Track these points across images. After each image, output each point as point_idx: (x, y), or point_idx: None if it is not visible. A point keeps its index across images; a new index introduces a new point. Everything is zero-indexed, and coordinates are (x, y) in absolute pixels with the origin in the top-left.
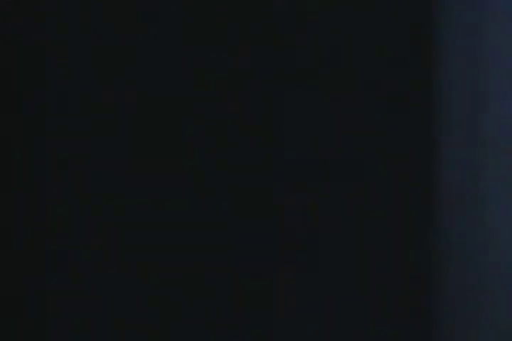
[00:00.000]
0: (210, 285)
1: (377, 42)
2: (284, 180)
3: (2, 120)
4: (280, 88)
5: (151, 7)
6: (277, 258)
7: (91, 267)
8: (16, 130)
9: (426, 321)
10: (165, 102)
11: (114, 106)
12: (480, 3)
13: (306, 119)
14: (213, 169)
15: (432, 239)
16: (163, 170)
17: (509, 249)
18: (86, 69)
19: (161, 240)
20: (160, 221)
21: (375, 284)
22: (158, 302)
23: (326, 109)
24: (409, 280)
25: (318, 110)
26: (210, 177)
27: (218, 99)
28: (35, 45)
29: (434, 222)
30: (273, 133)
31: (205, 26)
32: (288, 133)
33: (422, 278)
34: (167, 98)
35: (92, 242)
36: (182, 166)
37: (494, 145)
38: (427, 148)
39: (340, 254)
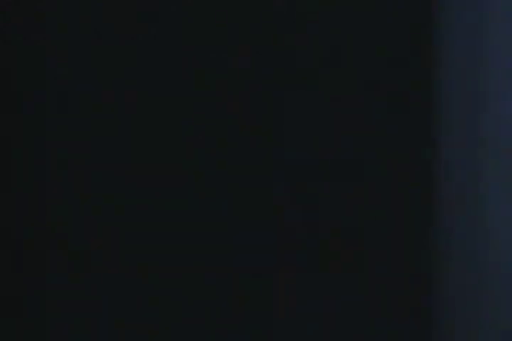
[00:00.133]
0: (210, 285)
1: (377, 42)
2: (284, 180)
3: (2, 120)
4: (280, 88)
5: (151, 7)
6: (277, 258)
7: (91, 267)
8: (16, 130)
9: (426, 321)
10: (165, 102)
11: (114, 106)
12: (480, 3)
13: (306, 119)
14: (213, 169)
15: (432, 239)
16: (163, 170)
17: (509, 249)
18: (86, 69)
19: (161, 240)
20: (160, 221)
21: (375, 284)
22: (158, 302)
23: (325, 109)
24: (409, 280)
25: (318, 110)
26: (209, 177)
27: (218, 99)
28: (35, 45)
29: (434, 222)
30: (273, 133)
31: (205, 26)
32: (288, 133)
33: (422, 278)
34: (167, 98)
35: (92, 242)
36: (182, 166)
37: (494, 145)
38: (427, 148)
39: (340, 254)
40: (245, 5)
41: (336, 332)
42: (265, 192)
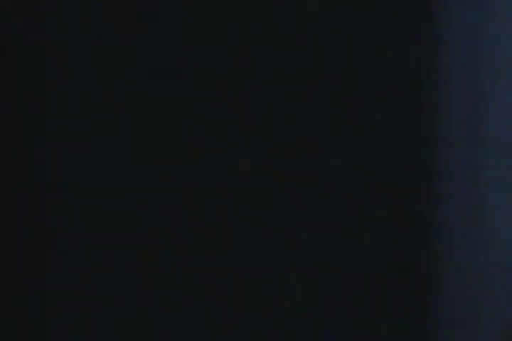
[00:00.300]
0: (210, 285)
1: (377, 42)
2: (284, 180)
3: (2, 120)
4: (280, 88)
5: (151, 7)
6: (277, 258)
7: (91, 267)
8: (16, 130)
9: (426, 321)
10: (165, 102)
11: (114, 106)
12: (480, 3)
13: (306, 119)
14: (213, 169)
15: (432, 239)
16: (163, 169)
17: (509, 249)
18: (86, 69)
19: (161, 240)
20: (160, 221)
21: (375, 284)
22: (158, 302)
23: (325, 109)
24: (409, 280)
25: (318, 110)
26: (209, 177)
27: (218, 99)
28: (35, 45)
29: (434, 221)
30: (273, 133)
31: (205, 26)
32: (288, 132)
33: (421, 278)
34: (167, 98)
35: (92, 242)
36: (182, 166)
37: (494, 145)
38: (427, 148)
39: (339, 254)
40: (245, 5)
41: (336, 331)
42: (265, 192)
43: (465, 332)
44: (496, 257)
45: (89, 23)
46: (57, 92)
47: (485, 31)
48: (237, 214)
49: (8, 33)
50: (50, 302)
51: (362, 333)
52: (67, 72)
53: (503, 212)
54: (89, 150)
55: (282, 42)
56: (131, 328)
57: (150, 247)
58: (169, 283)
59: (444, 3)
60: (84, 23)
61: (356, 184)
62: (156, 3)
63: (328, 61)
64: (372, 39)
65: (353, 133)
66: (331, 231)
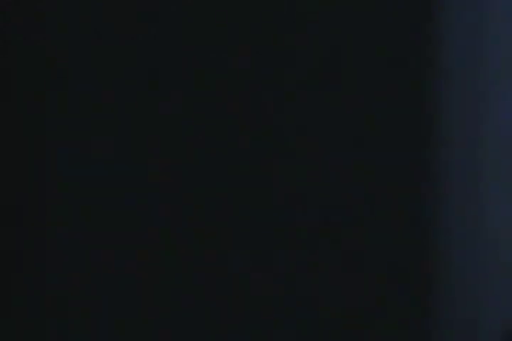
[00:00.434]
0: (210, 286)
1: (377, 42)
2: (284, 180)
3: (2, 120)
4: (280, 88)
5: (151, 7)
6: (277, 258)
7: (91, 267)
8: (16, 130)
9: (426, 321)
10: (165, 102)
11: (114, 106)
12: (480, 3)
13: (306, 119)
14: (213, 169)
15: (432, 239)
16: (163, 169)
17: (509, 249)
18: (86, 69)
19: (161, 240)
20: (160, 221)
21: (375, 284)
22: (158, 302)
23: (325, 109)
24: (409, 281)
25: (318, 110)
26: (209, 177)
27: (218, 99)
28: (35, 45)
29: (434, 221)
30: (273, 133)
31: (205, 26)
32: (288, 132)
33: (421, 278)
34: (167, 98)
35: (92, 242)
36: (182, 166)
37: (494, 145)
38: (427, 148)
39: (339, 254)
40: (245, 5)
41: (336, 331)
42: (265, 192)
43: (465, 332)
44: (496, 257)
45: (89, 23)
46: (57, 92)
47: (485, 31)
48: (237, 214)
49: (8, 33)
50: (50, 302)
51: (362, 333)
52: (67, 72)
53: (503, 212)
54: (89, 150)
55: (282, 42)
56: (131, 328)
57: (150, 247)
58: (169, 283)
59: (444, 3)
60: (84, 23)
61: (356, 184)
62: (156, 3)
63: (328, 61)
64: (372, 39)
65: (353, 133)
66: (331, 231)
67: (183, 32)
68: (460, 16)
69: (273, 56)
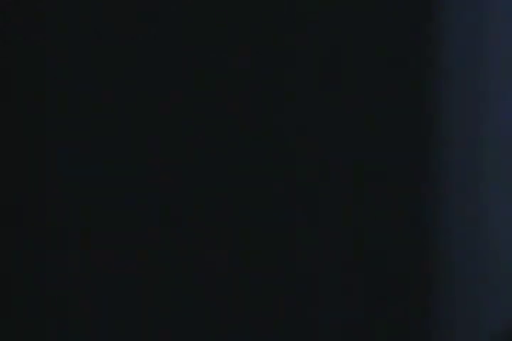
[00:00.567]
0: (210, 286)
1: (377, 42)
2: (284, 180)
3: (2, 120)
4: (280, 88)
5: (151, 7)
6: (277, 258)
7: (91, 267)
8: (16, 130)
9: (426, 321)
10: (165, 102)
11: (114, 106)
12: (480, 3)
13: (306, 119)
14: (213, 169)
15: (432, 239)
16: (163, 169)
17: (509, 249)
18: (86, 69)
19: (161, 240)
20: (160, 221)
21: (375, 284)
22: (158, 302)
23: (325, 109)
24: (409, 281)
25: (318, 110)
26: (209, 177)
27: (218, 99)
28: (35, 45)
29: (434, 221)
30: (273, 133)
31: (205, 26)
32: (288, 133)
33: (421, 278)
34: (167, 98)
35: (92, 242)
36: (182, 166)
37: (494, 145)
38: (426, 147)
39: (339, 254)
40: (245, 5)
41: (335, 331)
42: (264, 192)
43: (465, 332)
44: (496, 257)
45: (89, 23)
46: (57, 92)
47: (485, 31)
48: (237, 214)
49: (8, 33)
50: (50, 302)
51: (362, 333)
52: (67, 72)
53: (503, 212)
54: (89, 150)
55: (282, 42)
56: (131, 328)
57: (150, 247)
58: (169, 283)
59: (444, 3)
60: (84, 23)
61: (356, 184)
62: (156, 3)
63: (328, 61)
64: (372, 39)
65: (353, 133)
66: (330, 231)
67: (183, 32)
68: (460, 16)
69: (273, 56)
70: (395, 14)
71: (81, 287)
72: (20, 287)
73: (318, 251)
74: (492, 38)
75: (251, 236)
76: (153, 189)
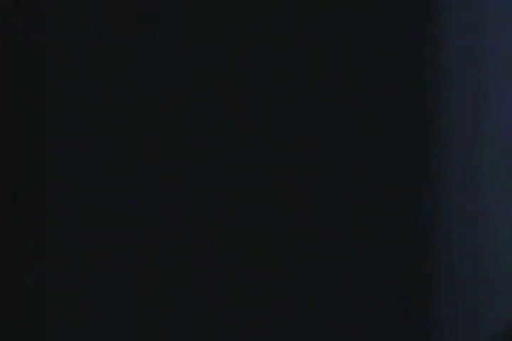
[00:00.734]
0: (210, 286)
1: (377, 42)
2: (284, 180)
3: (2, 120)
4: (280, 88)
5: (151, 7)
6: (276, 258)
7: (91, 267)
8: (16, 130)
9: (426, 321)
10: (165, 102)
11: (114, 106)
12: (480, 3)
13: (306, 119)
14: (213, 169)
15: (432, 239)
16: (163, 169)
17: (509, 249)
18: (86, 69)
19: (161, 240)
20: (160, 221)
21: (375, 284)
22: (159, 302)
23: (325, 109)
24: (409, 281)
25: (318, 110)
26: (209, 177)
27: (218, 99)
28: (35, 45)
29: (434, 222)
30: (273, 133)
31: (205, 26)
32: (288, 133)
33: (421, 278)
34: (167, 98)
35: (92, 242)
36: (182, 166)
37: (494, 145)
38: (426, 147)
39: (339, 254)
40: (245, 5)
41: (336, 331)
42: (264, 192)
43: (465, 332)
44: (496, 257)
45: (89, 23)
46: (57, 92)
47: (485, 31)
48: (237, 214)
49: (8, 33)
50: (50, 302)
51: (362, 333)
52: (67, 72)
53: (503, 212)
54: (89, 150)
55: (282, 42)
56: (132, 328)
57: (150, 247)
58: (169, 283)
59: (444, 3)
60: (84, 23)
61: (356, 184)
62: (156, 3)
63: (328, 61)
64: (372, 39)
65: (353, 133)
66: (330, 231)
67: (183, 32)
68: (460, 16)
69: (273, 56)
70: (395, 14)
71: (81, 287)
72: (20, 287)
73: (318, 251)
74: (492, 38)
75: (251, 236)
76: (153, 189)
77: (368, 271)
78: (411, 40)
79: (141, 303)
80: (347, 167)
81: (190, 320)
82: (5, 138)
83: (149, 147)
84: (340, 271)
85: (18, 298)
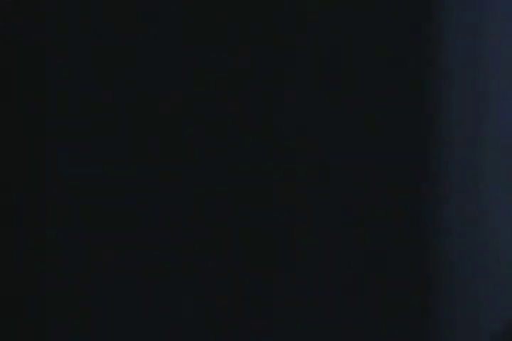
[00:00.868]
0: (210, 287)
1: (377, 42)
2: (284, 180)
3: (2, 120)
4: (280, 88)
5: (151, 7)
6: (276, 258)
7: (91, 267)
8: (16, 130)
9: (426, 321)
10: (165, 102)
11: (114, 106)
12: (480, 3)
13: (306, 119)
14: (213, 169)
15: (432, 239)
16: (163, 169)
17: (509, 249)
18: (86, 69)
19: (161, 240)
20: (160, 221)
21: (375, 284)
22: (159, 302)
23: (325, 109)
24: (409, 281)
25: (318, 110)
26: (209, 177)
27: (218, 99)
28: (35, 45)
29: (434, 221)
30: (273, 133)
31: (205, 26)
32: (288, 133)
33: (421, 278)
34: (167, 98)
35: (92, 242)
36: (182, 166)
37: (494, 145)
38: (426, 147)
39: (339, 254)
40: (245, 5)
41: (336, 331)
42: (264, 192)
43: (465, 332)
44: (496, 257)
45: (89, 23)
46: (57, 92)
47: (485, 31)
48: (237, 214)
49: (8, 33)
50: (50, 302)
51: (362, 333)
52: (67, 72)
53: (503, 212)
54: (89, 150)
55: (282, 42)
56: (131, 328)
57: (150, 247)
58: (169, 283)
59: (444, 3)
60: (84, 23)
61: (356, 184)
62: (156, 3)
63: (328, 61)
64: (372, 39)
65: (353, 133)
66: (330, 231)
67: (183, 32)
68: (460, 16)
69: (273, 56)
70: (395, 14)
71: (81, 287)
72: (20, 287)
73: (318, 251)
74: (492, 38)
75: (251, 236)
76: (153, 189)
77: (368, 270)
78: (411, 40)
79: (141, 303)
80: (347, 167)
81: (190, 319)
82: (5, 138)
83: (149, 147)
84: (340, 270)
85: (18, 298)
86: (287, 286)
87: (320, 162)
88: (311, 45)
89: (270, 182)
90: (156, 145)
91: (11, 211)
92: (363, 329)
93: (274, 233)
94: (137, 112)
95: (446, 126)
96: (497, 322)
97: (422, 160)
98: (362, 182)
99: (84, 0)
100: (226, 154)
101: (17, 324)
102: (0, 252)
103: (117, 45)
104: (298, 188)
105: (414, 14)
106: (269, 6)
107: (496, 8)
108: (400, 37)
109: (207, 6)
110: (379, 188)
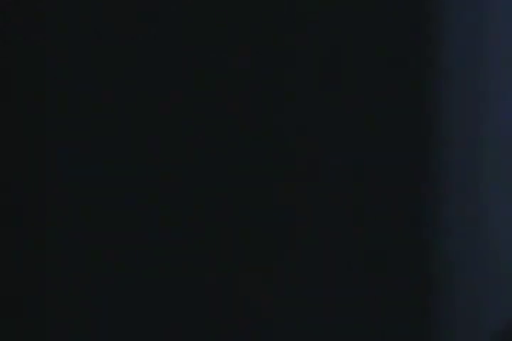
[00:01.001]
0: (210, 286)
1: (377, 42)
2: (284, 180)
3: (2, 120)
4: (280, 88)
5: (151, 7)
6: (276, 258)
7: (91, 267)
8: (16, 130)
9: (426, 321)
10: (165, 102)
11: (114, 106)
12: (480, 3)
13: (306, 119)
14: (213, 169)
15: (432, 239)
16: (163, 169)
17: (509, 249)
18: (86, 69)
19: (161, 240)
20: (160, 221)
21: (375, 284)
22: (159, 302)
23: (325, 109)
24: (409, 281)
25: (318, 110)
26: (209, 177)
27: (218, 99)
28: (35, 45)
29: (434, 221)
30: (273, 133)
31: (205, 26)
32: (288, 133)
33: (421, 278)
34: (167, 98)
35: (92, 242)
36: (182, 166)
37: (494, 145)
38: (426, 147)
39: (339, 254)
40: (245, 5)
41: (336, 331)
42: (264, 192)
43: (465, 332)
44: (496, 257)
45: (89, 23)
46: (57, 92)
47: (485, 31)
48: (237, 214)
49: (8, 33)
50: (50, 302)
51: (362, 333)
52: (67, 72)
53: (503, 212)
54: (89, 150)
55: (282, 42)
56: (131, 328)
57: (150, 247)
58: (169, 283)
59: (444, 3)
60: (84, 23)
61: (356, 184)
62: (156, 3)
63: (328, 61)
64: (372, 39)
65: (353, 133)
66: (330, 231)
67: (183, 32)
68: (460, 16)
69: (273, 56)
70: (395, 14)
71: (81, 287)
72: (20, 287)
73: (318, 251)
74: (492, 38)
75: (251, 236)
76: (153, 189)
77: (368, 270)
78: (411, 40)
79: (141, 303)
80: (347, 167)
81: (190, 319)
82: (5, 138)
83: (149, 147)
84: (340, 270)
85: (18, 298)
86: (287, 286)
87: (320, 162)
88: (311, 45)
89: (270, 182)
90: (156, 145)
91: (11, 211)
92: (363, 329)
93: (274, 233)
94: (137, 112)
95: (446, 126)
96: (497, 322)
97: (422, 160)
98: (362, 182)
99: (84, 0)
100: (226, 154)
101: (17, 324)
102: (0, 252)
103: (117, 45)
104: (298, 188)
105: (414, 14)
106: (269, 6)
107: (495, 8)
108: (400, 37)
109: (207, 6)
110: (379, 188)
